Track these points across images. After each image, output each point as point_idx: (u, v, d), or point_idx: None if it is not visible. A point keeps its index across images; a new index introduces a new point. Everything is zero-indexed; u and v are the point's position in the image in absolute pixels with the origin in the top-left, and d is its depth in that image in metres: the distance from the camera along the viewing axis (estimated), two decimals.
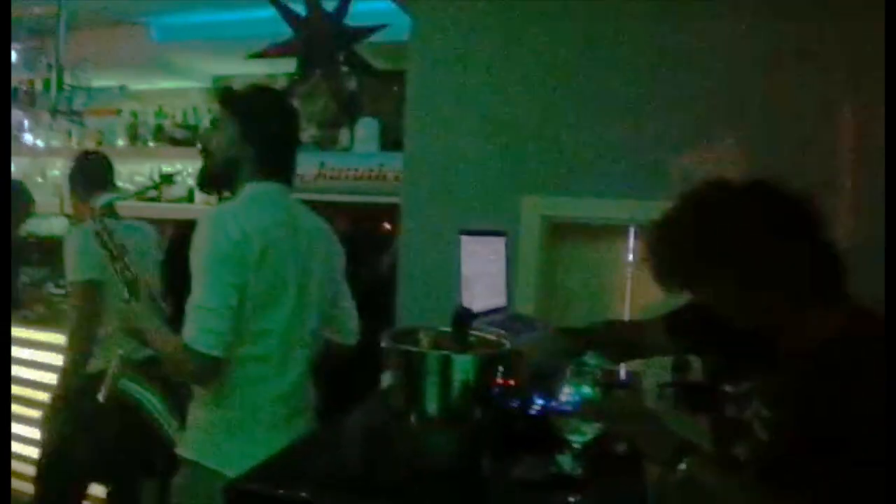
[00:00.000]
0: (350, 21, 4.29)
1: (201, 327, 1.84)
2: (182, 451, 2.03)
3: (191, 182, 5.15)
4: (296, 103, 4.10)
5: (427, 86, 3.46)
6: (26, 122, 5.35)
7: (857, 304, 1.42)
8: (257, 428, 1.98)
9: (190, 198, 5.15)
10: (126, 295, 2.07)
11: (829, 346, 1.31)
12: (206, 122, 5.08)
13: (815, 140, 2.86)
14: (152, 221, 3.48)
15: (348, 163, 4.14)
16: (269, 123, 2.08)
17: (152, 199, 4.92)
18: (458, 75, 3.39)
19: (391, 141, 4.10)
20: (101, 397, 2.21)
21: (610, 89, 3.14)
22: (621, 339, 1.97)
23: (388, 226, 4.10)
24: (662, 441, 1.44)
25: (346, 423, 2.06)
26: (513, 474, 1.63)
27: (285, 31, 4.38)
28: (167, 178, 2.55)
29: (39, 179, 5.61)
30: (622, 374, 2.37)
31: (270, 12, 4.30)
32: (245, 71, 5.09)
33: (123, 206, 3.41)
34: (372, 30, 4.25)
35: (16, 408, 3.62)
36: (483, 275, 2.52)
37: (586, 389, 1.57)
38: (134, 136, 5.37)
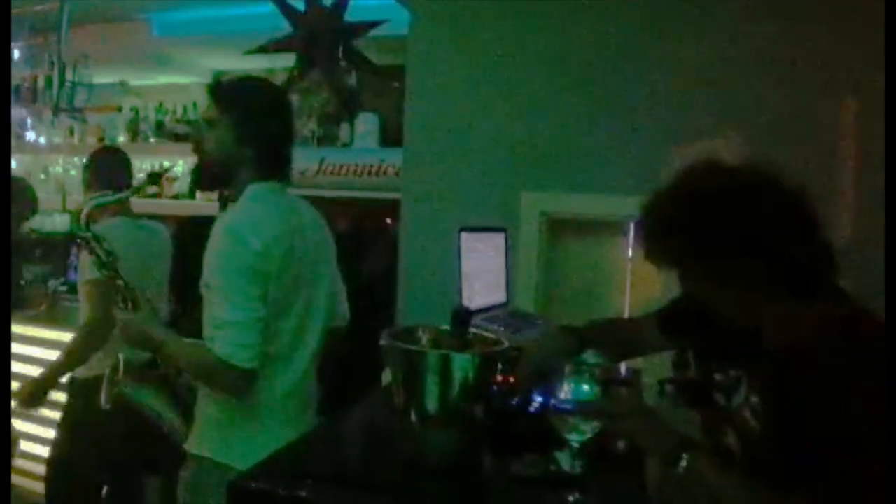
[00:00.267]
0: (349, 16, 4.30)
1: (235, 343, 1.86)
2: (191, 446, 2.05)
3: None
4: (295, 99, 4.12)
5: (427, 81, 3.46)
6: (29, 120, 5.36)
7: (847, 296, 1.43)
8: (269, 422, 2.01)
9: (191, 194, 5.15)
10: (120, 303, 2.06)
11: (819, 338, 1.31)
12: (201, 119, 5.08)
13: (813, 138, 2.86)
14: (150, 217, 3.44)
15: (348, 158, 4.15)
16: (266, 123, 2.06)
17: (152, 196, 4.94)
18: (458, 70, 3.40)
19: (391, 136, 4.11)
20: (103, 404, 2.22)
21: (610, 85, 3.15)
22: (620, 338, 1.97)
23: (388, 221, 4.11)
24: (663, 438, 1.44)
25: (347, 421, 2.07)
26: (512, 472, 1.64)
27: (285, 27, 4.39)
28: (154, 178, 2.54)
29: (42, 176, 5.62)
30: (622, 371, 2.37)
31: (270, 8, 4.30)
32: (245, 66, 5.10)
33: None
34: (371, 25, 4.25)
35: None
36: (483, 271, 2.53)
37: (586, 387, 1.57)
38: (135, 133, 5.38)
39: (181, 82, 5.73)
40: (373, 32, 4.27)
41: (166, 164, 3.44)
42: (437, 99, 3.43)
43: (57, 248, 4.90)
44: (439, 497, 1.57)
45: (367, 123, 4.24)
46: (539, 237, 3.22)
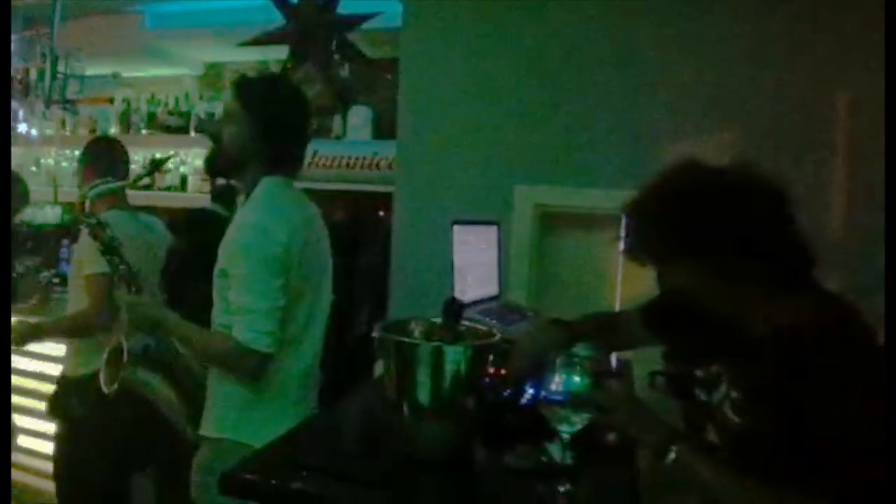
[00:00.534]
0: (343, 9, 4.30)
1: (256, 329, 1.97)
2: (206, 430, 2.13)
3: (183, 170, 5.16)
4: None
5: (420, 73, 3.46)
6: (21, 112, 5.33)
7: (825, 290, 1.44)
8: (284, 402, 2.13)
9: (183, 186, 5.14)
10: (125, 288, 2.11)
11: (798, 331, 1.32)
12: (199, 109, 5.07)
13: (806, 135, 2.87)
14: (140, 209, 3.42)
15: (341, 151, 4.13)
16: (283, 121, 2.16)
17: (145, 188, 4.91)
18: (452, 63, 3.40)
19: (384, 129, 4.10)
20: (103, 386, 2.23)
21: (603, 79, 3.15)
22: (609, 332, 1.99)
23: (381, 213, 4.10)
24: (653, 430, 1.45)
25: (339, 413, 2.09)
26: (503, 463, 1.66)
27: (278, 19, 4.38)
28: (159, 163, 2.53)
29: (33, 168, 5.59)
30: (613, 363, 2.38)
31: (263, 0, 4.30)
32: (237, 58, 5.09)
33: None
34: (365, 17, 4.26)
35: (15, 398, 3.64)
36: (475, 264, 2.54)
37: (577, 379, 1.58)
38: (127, 124, 5.36)
39: (173, 74, 5.72)
40: (365, 25, 4.28)
41: (171, 153, 3.43)
42: (431, 92, 3.43)
43: (48, 241, 4.88)
44: (431, 489, 1.58)
45: (359, 116, 4.23)
46: (532, 230, 3.23)
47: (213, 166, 2.28)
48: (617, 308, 3.08)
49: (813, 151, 2.86)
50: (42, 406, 3.24)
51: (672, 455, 1.39)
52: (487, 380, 1.74)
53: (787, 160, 2.72)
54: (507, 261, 3.11)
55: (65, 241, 4.59)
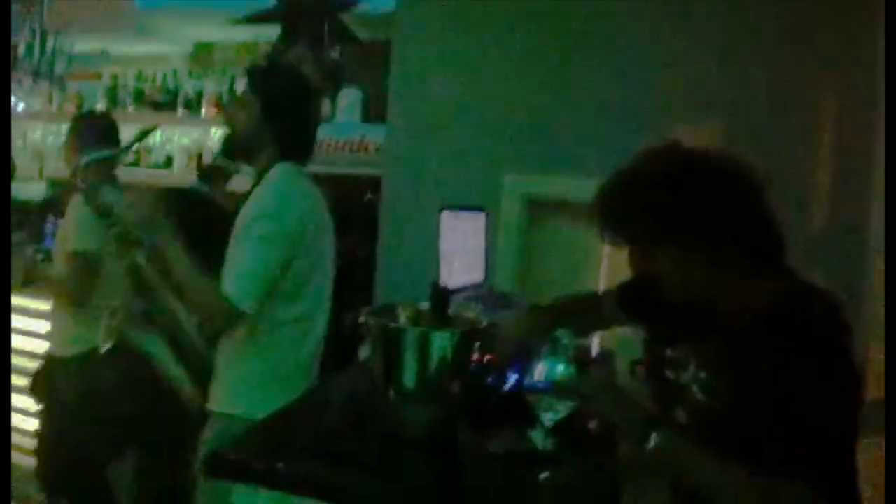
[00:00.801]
0: None
1: (243, 286, 2.03)
2: (217, 406, 2.20)
3: (169, 148, 5.12)
4: None
5: (412, 57, 3.46)
6: None
7: (796, 275, 1.46)
8: (297, 380, 2.21)
9: (168, 164, 5.11)
10: (124, 248, 2.15)
11: (768, 314, 1.35)
12: (187, 88, 5.02)
13: (798, 124, 2.89)
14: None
15: (329, 133, 4.11)
16: (292, 109, 2.24)
17: (131, 164, 4.87)
18: (444, 48, 3.40)
19: (374, 112, 4.08)
20: (101, 342, 2.26)
21: (594, 70, 3.16)
22: (585, 312, 2.00)
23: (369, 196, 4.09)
24: (633, 416, 1.47)
25: (325, 396, 2.10)
26: (487, 449, 1.67)
27: None
28: (145, 133, 2.54)
29: (20, 143, 5.54)
30: (595, 351, 2.41)
31: None
32: (228, 37, 5.06)
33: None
34: None
35: None
36: (462, 250, 2.55)
37: (560, 367, 1.60)
38: (114, 101, 5.31)
39: (161, 51, 5.67)
40: (359, 7, 4.26)
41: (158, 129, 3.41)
42: (422, 75, 3.43)
43: (33, 216, 4.84)
44: (415, 472, 1.60)
45: (349, 98, 4.21)
46: (520, 219, 3.24)
47: (229, 148, 2.36)
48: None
49: (797, 138, 2.87)
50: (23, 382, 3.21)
51: (652, 442, 1.40)
52: (473, 366, 1.76)
53: (771, 145, 2.74)
54: (495, 248, 3.12)
55: (50, 217, 4.56)
